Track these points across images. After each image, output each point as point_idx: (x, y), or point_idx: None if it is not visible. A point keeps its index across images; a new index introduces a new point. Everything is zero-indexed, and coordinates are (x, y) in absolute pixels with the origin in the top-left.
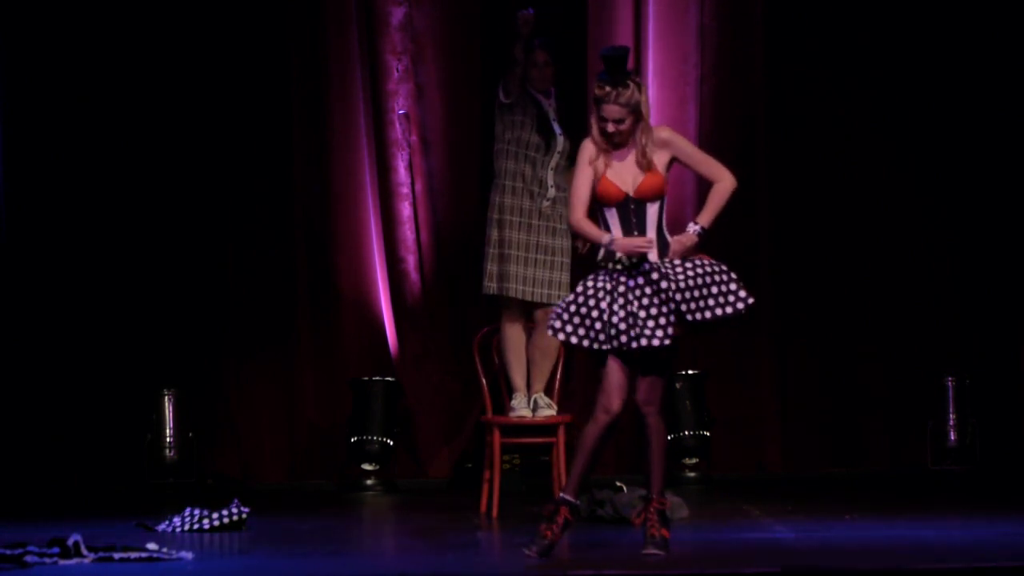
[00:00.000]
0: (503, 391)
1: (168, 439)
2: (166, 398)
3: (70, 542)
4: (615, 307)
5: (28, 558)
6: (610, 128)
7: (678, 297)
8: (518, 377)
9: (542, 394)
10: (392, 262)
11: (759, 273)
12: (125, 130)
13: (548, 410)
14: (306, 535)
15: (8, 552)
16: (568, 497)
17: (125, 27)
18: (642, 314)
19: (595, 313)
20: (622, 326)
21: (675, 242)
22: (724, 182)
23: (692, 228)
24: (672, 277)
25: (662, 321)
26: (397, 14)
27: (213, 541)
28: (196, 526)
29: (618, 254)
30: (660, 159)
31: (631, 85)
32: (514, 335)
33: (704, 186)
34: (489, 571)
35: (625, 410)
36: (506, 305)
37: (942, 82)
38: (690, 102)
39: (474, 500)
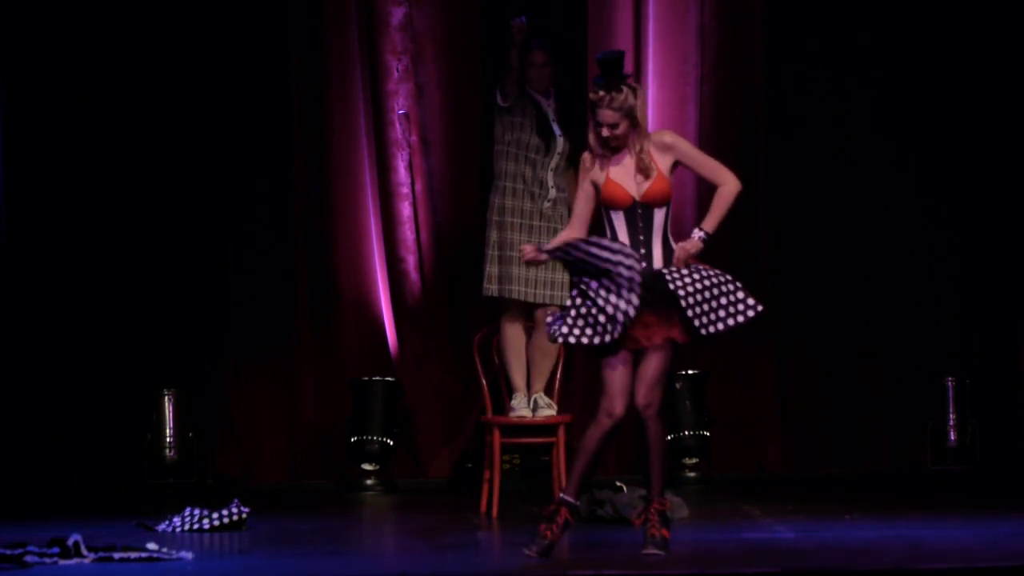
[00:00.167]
0: (503, 391)
1: (168, 439)
2: (166, 398)
3: (70, 542)
4: (611, 297)
5: (28, 558)
6: (605, 132)
7: (685, 305)
8: (518, 377)
9: (542, 394)
10: (392, 262)
11: (759, 273)
12: (125, 130)
13: (548, 410)
14: (306, 535)
15: (8, 552)
16: (568, 498)
17: (125, 27)
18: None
19: (594, 309)
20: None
21: (679, 249)
22: (728, 186)
23: (696, 234)
24: (680, 285)
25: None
26: (397, 14)
27: (213, 541)
28: (196, 526)
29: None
30: (664, 163)
31: (624, 89)
32: (514, 335)
33: (704, 186)
34: (489, 571)
35: (627, 413)
36: (506, 305)
37: (942, 82)
38: (690, 102)
39: (474, 500)
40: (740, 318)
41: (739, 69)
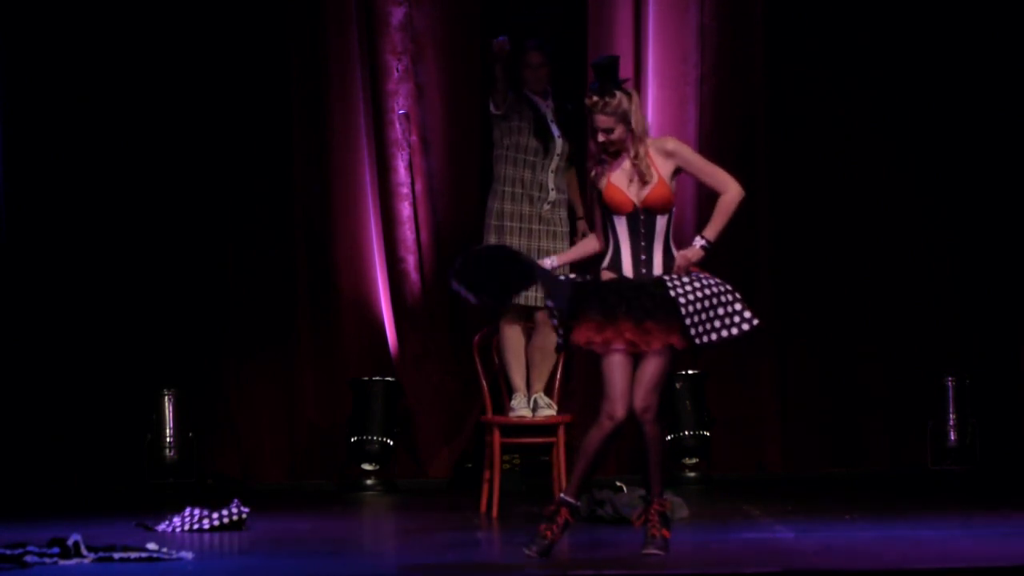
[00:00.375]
0: (503, 391)
1: (168, 439)
2: (166, 398)
3: (70, 542)
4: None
5: (28, 558)
6: (600, 137)
7: (684, 312)
8: (518, 377)
9: (542, 394)
10: (392, 262)
11: (759, 273)
12: (125, 130)
13: (548, 410)
14: (306, 535)
15: (8, 552)
16: (568, 498)
17: (125, 27)
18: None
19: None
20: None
21: (680, 256)
22: (730, 193)
23: (698, 242)
24: (681, 293)
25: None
26: (397, 14)
27: (213, 541)
28: (196, 526)
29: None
30: (665, 169)
31: (618, 94)
32: (514, 336)
33: (704, 189)
34: (489, 571)
35: (628, 416)
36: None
37: (942, 82)
38: (690, 102)
39: (474, 500)
40: (735, 330)
41: (739, 69)
